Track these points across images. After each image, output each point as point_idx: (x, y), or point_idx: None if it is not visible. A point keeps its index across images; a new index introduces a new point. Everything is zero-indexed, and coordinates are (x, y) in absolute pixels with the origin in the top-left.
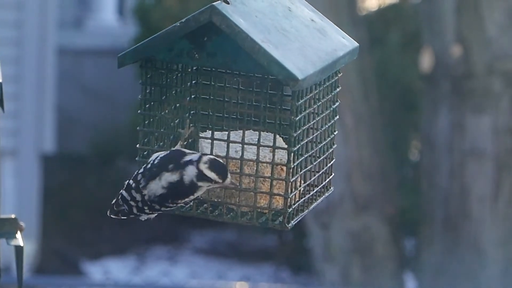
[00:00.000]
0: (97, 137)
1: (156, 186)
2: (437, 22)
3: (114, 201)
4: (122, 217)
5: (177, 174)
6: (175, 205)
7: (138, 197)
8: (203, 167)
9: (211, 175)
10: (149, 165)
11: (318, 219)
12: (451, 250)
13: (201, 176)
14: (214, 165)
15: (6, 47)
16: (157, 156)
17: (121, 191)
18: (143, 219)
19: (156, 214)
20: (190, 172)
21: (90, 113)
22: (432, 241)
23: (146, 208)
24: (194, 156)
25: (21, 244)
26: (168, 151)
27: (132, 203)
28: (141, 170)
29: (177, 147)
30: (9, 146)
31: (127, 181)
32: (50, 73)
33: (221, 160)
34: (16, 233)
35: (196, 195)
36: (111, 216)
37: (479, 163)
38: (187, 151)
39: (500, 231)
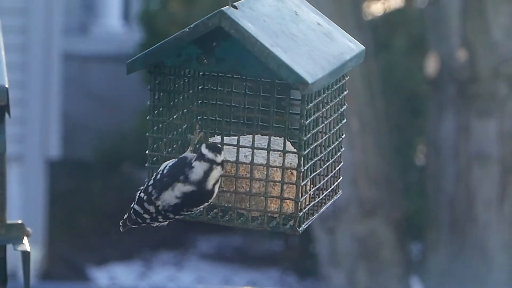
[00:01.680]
0: (102, 142)
1: (170, 197)
2: (442, 27)
3: (126, 215)
4: (133, 226)
5: (190, 185)
6: (189, 212)
7: (151, 209)
8: (202, 148)
9: (206, 152)
10: (158, 176)
11: (324, 224)
12: (457, 254)
13: (201, 156)
14: (210, 146)
15: (11, 53)
16: (166, 166)
17: (133, 205)
18: (154, 225)
19: (168, 222)
20: (198, 170)
21: (96, 119)
22: (438, 245)
23: (160, 217)
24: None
25: (28, 249)
26: (176, 159)
27: (146, 215)
28: (151, 182)
29: (187, 153)
30: (15, 152)
31: (138, 193)
32: (56, 79)
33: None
34: (23, 238)
35: (210, 201)
36: (124, 229)
37: (484, 167)
38: (193, 156)
39: (506, 235)
